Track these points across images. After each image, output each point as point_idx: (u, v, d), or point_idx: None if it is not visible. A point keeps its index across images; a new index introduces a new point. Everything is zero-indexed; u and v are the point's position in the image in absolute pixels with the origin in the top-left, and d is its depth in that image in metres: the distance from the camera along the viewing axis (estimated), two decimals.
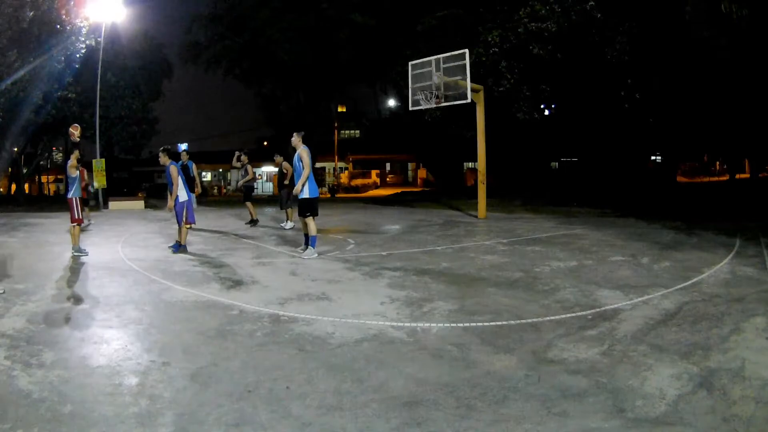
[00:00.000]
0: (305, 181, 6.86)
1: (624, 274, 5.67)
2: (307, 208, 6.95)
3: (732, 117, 16.39)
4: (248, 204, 11.09)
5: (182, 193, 7.39)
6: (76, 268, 6.37)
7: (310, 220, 6.95)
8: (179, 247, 7.35)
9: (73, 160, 7.22)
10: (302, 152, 6.93)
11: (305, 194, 6.90)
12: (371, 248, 7.77)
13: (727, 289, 4.89)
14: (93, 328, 3.92)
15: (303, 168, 6.88)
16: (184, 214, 7.35)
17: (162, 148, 7.79)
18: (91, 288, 5.27)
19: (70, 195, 7.20)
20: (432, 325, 3.96)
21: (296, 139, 7.08)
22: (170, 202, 7.36)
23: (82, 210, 7.51)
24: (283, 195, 10.55)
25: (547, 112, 19.33)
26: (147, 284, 5.42)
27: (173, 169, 7.39)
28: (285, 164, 10.64)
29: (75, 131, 8.23)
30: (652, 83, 13.95)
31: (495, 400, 2.68)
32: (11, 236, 9.65)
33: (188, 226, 7.46)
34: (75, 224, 7.17)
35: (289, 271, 6.07)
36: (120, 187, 28.90)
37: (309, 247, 7.00)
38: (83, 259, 6.90)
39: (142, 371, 3.07)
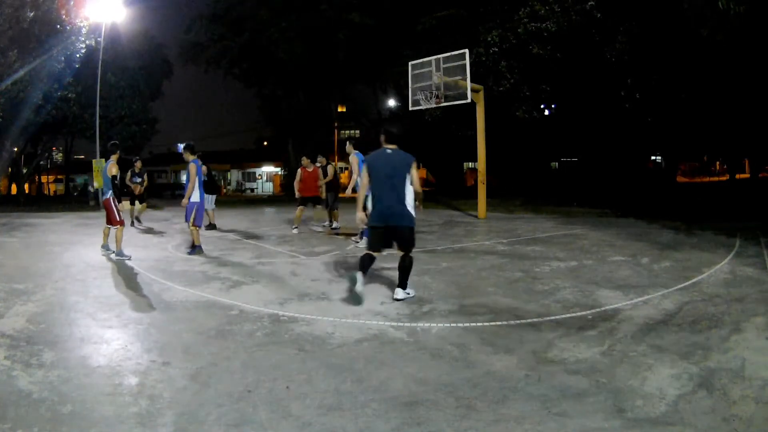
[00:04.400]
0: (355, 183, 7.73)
1: (624, 274, 5.67)
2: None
3: (732, 117, 16.38)
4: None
5: (196, 194, 7.25)
6: (76, 268, 6.37)
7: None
8: (195, 249, 7.27)
9: (113, 160, 7.14)
10: (351, 158, 8.21)
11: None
12: None
13: (727, 289, 4.89)
14: (93, 328, 3.92)
15: (353, 172, 7.81)
16: (193, 214, 7.22)
17: (185, 144, 7.53)
18: (91, 288, 5.27)
19: (107, 196, 7.05)
20: (432, 325, 3.95)
21: (349, 147, 8.54)
22: (185, 199, 7.24)
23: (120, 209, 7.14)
24: (329, 197, 10.18)
25: (547, 112, 19.34)
26: (147, 284, 5.42)
27: (193, 167, 7.22)
28: (329, 167, 10.27)
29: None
30: (651, 82, 13.95)
31: (495, 400, 2.68)
32: (11, 236, 9.66)
33: (194, 227, 7.33)
34: (117, 227, 6.96)
35: (289, 271, 6.07)
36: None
37: (364, 237, 7.03)
38: (83, 259, 6.91)
39: (142, 371, 3.07)
